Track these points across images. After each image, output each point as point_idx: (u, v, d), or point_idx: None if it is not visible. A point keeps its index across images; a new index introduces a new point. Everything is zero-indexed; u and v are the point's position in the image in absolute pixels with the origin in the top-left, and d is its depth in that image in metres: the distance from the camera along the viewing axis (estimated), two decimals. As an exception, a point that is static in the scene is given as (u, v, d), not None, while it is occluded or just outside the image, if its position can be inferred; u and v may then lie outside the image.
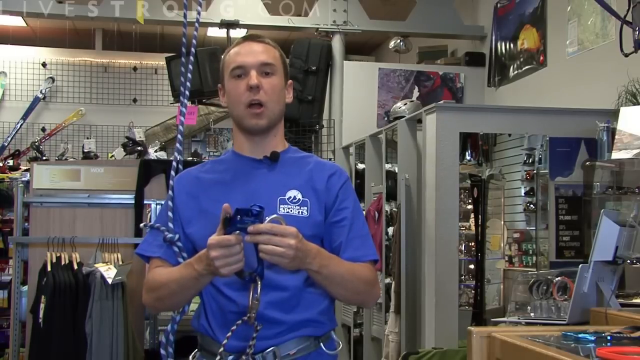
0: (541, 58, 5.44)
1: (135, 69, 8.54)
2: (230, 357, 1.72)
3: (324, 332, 1.81)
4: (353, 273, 1.77)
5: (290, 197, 1.79)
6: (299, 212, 1.78)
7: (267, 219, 1.58)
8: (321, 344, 1.79)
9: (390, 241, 4.67)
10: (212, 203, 1.76)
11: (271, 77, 1.81)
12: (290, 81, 1.91)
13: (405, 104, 5.68)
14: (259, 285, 1.63)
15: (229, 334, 1.68)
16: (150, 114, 7.99)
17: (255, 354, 1.72)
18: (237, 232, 1.56)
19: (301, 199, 1.79)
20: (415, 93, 6.43)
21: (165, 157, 5.06)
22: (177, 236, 1.79)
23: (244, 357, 1.68)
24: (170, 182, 1.86)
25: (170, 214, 1.82)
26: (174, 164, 1.87)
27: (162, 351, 1.83)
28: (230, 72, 1.83)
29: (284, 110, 1.88)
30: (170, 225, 1.81)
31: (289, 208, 1.77)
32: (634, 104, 3.81)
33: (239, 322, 1.67)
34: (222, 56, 1.89)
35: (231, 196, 1.70)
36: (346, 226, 1.81)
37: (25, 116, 8.13)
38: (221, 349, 1.69)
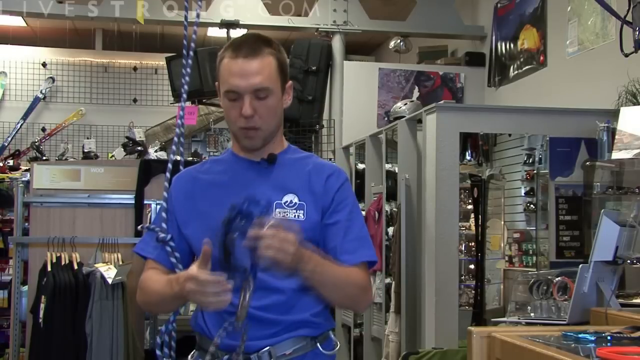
0: (541, 58, 5.44)
1: (135, 69, 8.54)
2: (226, 356, 1.72)
3: (320, 332, 1.81)
4: (347, 277, 1.74)
5: (286, 201, 1.77)
6: (295, 215, 1.76)
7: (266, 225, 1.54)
8: (318, 344, 1.79)
9: (390, 241, 4.67)
10: (209, 205, 1.75)
11: (266, 100, 1.75)
12: (289, 83, 1.84)
13: (406, 104, 5.67)
14: (251, 287, 1.59)
15: (222, 331, 1.67)
16: (150, 114, 7.99)
17: (250, 353, 1.72)
18: (236, 234, 1.53)
19: (298, 202, 1.77)
20: (416, 93, 6.42)
21: (165, 157, 5.06)
22: (169, 236, 1.79)
23: (234, 355, 1.68)
24: (165, 183, 1.86)
25: (164, 214, 1.82)
26: (169, 165, 1.87)
27: (158, 352, 1.83)
28: (224, 92, 1.76)
29: (282, 118, 1.84)
30: (164, 225, 1.81)
31: (285, 212, 1.76)
32: (634, 104, 3.81)
33: (226, 324, 1.66)
34: (218, 55, 1.81)
35: (227, 199, 1.68)
36: (342, 228, 1.78)
37: (25, 116, 8.14)
38: (211, 347, 1.69)
